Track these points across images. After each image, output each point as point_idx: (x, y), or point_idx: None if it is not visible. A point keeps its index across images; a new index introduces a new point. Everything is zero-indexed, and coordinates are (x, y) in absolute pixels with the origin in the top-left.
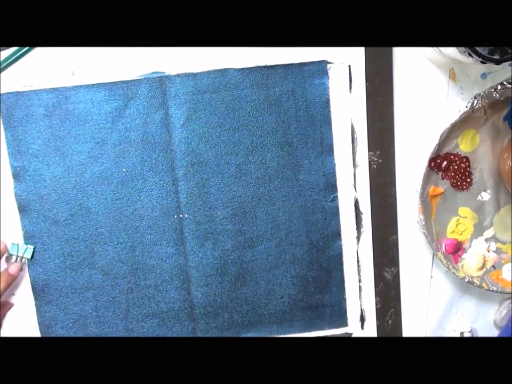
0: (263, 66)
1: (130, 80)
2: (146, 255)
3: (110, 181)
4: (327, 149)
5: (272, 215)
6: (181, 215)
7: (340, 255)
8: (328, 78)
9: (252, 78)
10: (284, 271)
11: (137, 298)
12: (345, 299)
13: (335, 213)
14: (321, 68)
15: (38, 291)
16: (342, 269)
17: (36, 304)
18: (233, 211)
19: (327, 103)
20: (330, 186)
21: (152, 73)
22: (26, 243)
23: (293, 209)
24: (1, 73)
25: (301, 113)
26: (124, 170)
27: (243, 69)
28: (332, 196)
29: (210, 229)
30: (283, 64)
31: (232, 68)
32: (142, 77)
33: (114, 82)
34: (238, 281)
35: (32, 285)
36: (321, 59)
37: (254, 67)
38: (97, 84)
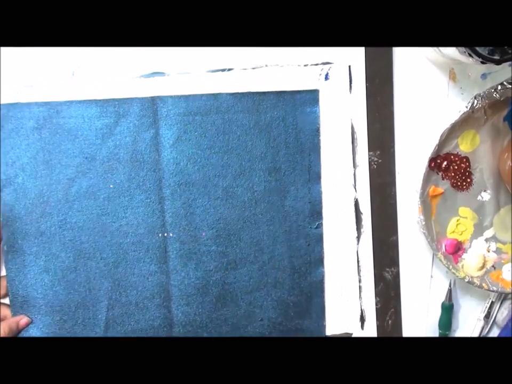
0: (255, 92)
1: (122, 98)
2: (129, 272)
3: (97, 197)
4: (314, 176)
5: (256, 238)
6: (165, 234)
7: (321, 282)
8: (319, 107)
9: (244, 103)
10: (265, 294)
11: (117, 315)
12: (324, 326)
13: (319, 239)
14: (313, 96)
15: (17, 307)
16: (323, 296)
17: None
18: (218, 233)
19: (316, 131)
20: (316, 214)
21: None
22: (7, 257)
23: (277, 234)
24: (1, 73)
25: (290, 140)
26: (111, 186)
27: (235, 93)
28: (317, 223)
29: (194, 249)
30: (275, 91)
31: (225, 92)
32: (135, 96)
33: (106, 99)
34: (218, 302)
35: (11, 301)
36: (313, 88)
37: (246, 92)
38: (89, 100)
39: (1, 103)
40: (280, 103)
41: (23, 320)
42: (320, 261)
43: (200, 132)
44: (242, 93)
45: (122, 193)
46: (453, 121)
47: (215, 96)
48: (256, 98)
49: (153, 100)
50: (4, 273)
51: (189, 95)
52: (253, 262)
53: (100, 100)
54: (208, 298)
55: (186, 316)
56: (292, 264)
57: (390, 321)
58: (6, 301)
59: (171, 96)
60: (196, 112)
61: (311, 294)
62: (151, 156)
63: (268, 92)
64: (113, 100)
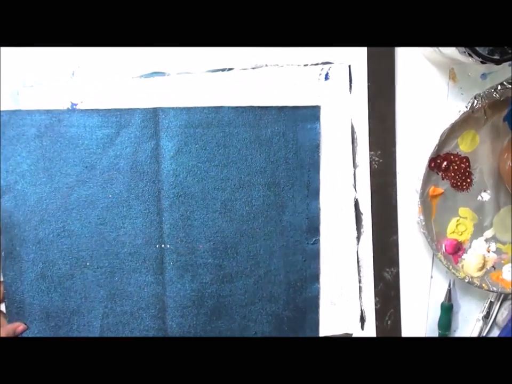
0: (257, 107)
1: (124, 109)
2: (125, 282)
3: (96, 206)
4: (313, 192)
5: (253, 252)
6: (162, 245)
7: (316, 298)
8: (319, 124)
9: (245, 117)
10: (260, 308)
11: (112, 324)
12: None
13: (315, 255)
14: (314, 113)
15: (13, 313)
16: (318, 311)
17: None
18: (215, 245)
19: (317, 147)
20: (313, 230)
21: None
22: (5, 263)
23: (274, 248)
24: (1, 73)
25: (290, 156)
26: (110, 196)
27: (237, 107)
28: (314, 239)
29: (191, 261)
30: (277, 106)
31: (227, 106)
32: (136, 101)
33: (108, 109)
34: (213, 315)
35: (7, 306)
36: (315, 104)
37: (247, 107)
38: (91, 110)
39: (2, 106)
40: (281, 118)
41: (20, 327)
42: (316, 277)
43: (200, 145)
44: (244, 107)
45: (121, 203)
46: (453, 121)
47: (217, 109)
48: (257, 112)
49: (155, 111)
50: (1, 278)
51: (191, 108)
52: (248, 276)
53: (101, 110)
54: (203, 311)
55: (181, 328)
56: (288, 279)
57: (389, 322)
58: (2, 306)
59: (173, 108)
60: (197, 124)
61: (306, 310)
62: (151, 167)
63: (269, 107)
64: (115, 110)
